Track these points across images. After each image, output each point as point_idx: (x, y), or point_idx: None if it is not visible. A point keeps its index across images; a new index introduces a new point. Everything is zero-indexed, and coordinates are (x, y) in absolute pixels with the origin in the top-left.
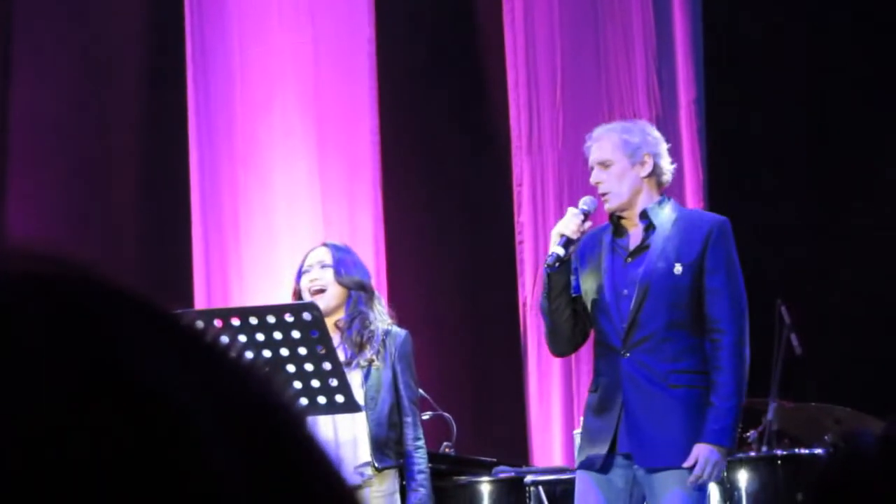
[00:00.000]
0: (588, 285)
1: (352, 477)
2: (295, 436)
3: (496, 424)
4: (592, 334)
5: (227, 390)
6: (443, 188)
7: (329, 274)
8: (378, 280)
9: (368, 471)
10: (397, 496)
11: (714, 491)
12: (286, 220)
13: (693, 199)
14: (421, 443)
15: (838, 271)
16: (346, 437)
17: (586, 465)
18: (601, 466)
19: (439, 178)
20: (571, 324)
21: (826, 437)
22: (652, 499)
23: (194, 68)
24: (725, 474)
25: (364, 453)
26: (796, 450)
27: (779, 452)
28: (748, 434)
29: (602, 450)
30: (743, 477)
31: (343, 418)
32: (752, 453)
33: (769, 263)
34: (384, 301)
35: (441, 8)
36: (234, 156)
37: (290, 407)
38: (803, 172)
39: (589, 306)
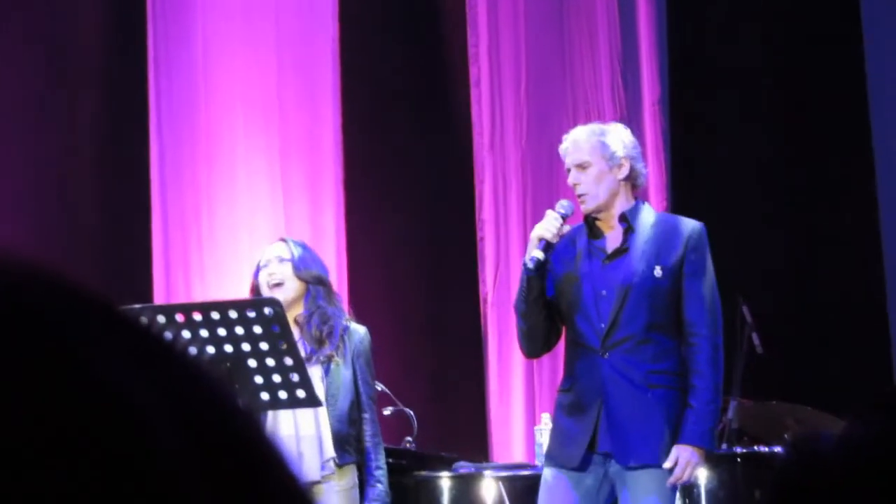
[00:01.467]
0: (564, 286)
1: (313, 473)
2: (249, 434)
3: (457, 420)
4: (565, 334)
5: (181, 388)
6: (405, 185)
7: (287, 268)
8: (339, 276)
9: (330, 465)
10: (356, 491)
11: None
12: (247, 217)
13: (656, 198)
14: (379, 439)
15: (801, 271)
16: (307, 432)
17: (559, 462)
18: (578, 465)
19: (402, 175)
20: (547, 326)
21: (786, 436)
22: (627, 496)
23: (156, 64)
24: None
25: (328, 449)
26: (756, 448)
27: (739, 450)
28: None
29: (580, 448)
30: (702, 475)
31: (304, 414)
32: (713, 451)
33: (731, 262)
34: (343, 298)
35: (405, 5)
36: (196, 151)
37: (244, 405)
38: (767, 172)
39: (564, 307)
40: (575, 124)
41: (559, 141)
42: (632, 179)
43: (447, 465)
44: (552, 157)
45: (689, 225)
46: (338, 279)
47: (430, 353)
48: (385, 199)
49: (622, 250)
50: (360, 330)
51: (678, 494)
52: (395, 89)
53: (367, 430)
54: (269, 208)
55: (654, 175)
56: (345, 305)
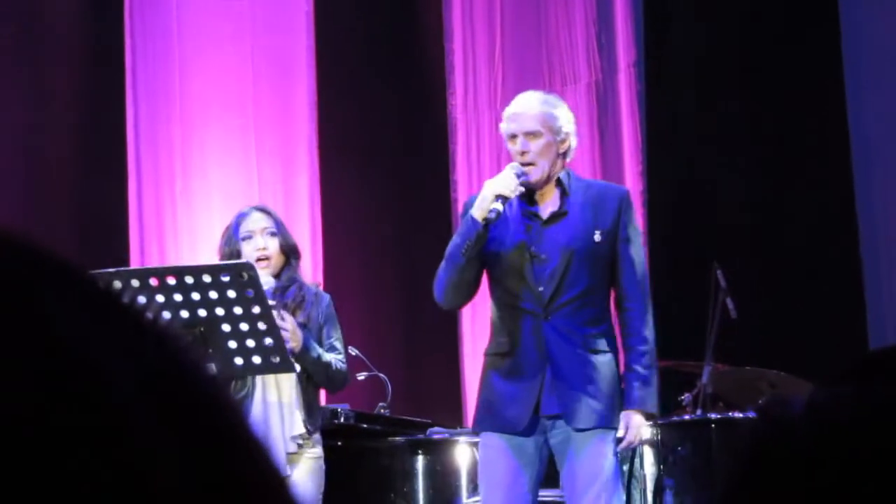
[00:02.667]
0: (498, 249)
1: (290, 444)
2: (211, 394)
3: (431, 386)
4: (492, 296)
5: (147, 353)
6: (379, 148)
7: (275, 242)
8: (314, 241)
9: (301, 439)
10: (322, 461)
11: (648, 453)
12: (220, 182)
13: (631, 161)
14: (344, 369)
15: (774, 235)
16: (287, 400)
17: (499, 426)
18: (522, 428)
19: (376, 137)
20: (475, 281)
21: (760, 401)
22: (574, 458)
23: (132, 33)
24: (659, 437)
25: (302, 421)
26: (730, 413)
27: (713, 416)
28: (683, 397)
29: (524, 412)
30: (677, 440)
31: (285, 383)
32: (687, 416)
33: (705, 227)
34: (318, 261)
35: None
36: (171, 115)
37: (209, 371)
38: (741, 137)
39: (498, 270)
40: (550, 86)
41: None
42: (569, 152)
43: (421, 430)
44: None
45: (619, 190)
46: (311, 242)
47: (404, 317)
48: (359, 163)
49: (561, 214)
50: (325, 296)
51: (652, 460)
52: (370, 53)
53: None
54: (242, 173)
55: (629, 138)
56: (319, 271)
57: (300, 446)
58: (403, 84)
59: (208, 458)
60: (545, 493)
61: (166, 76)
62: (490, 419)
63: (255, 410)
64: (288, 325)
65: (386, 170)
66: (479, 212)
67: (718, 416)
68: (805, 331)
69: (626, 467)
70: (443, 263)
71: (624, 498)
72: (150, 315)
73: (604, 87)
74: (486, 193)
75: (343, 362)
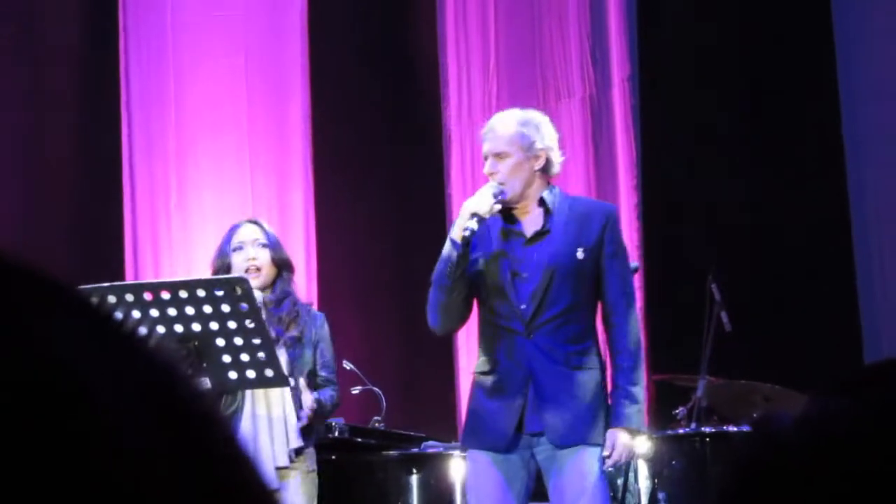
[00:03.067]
0: (481, 268)
1: (281, 458)
2: (201, 413)
3: (426, 399)
4: (479, 315)
5: (131, 367)
6: (373, 163)
7: (266, 254)
8: (308, 256)
9: (293, 453)
10: (315, 475)
11: (642, 467)
12: (215, 196)
13: (626, 176)
14: (336, 394)
15: (769, 248)
16: (278, 414)
17: (485, 444)
18: (505, 446)
19: (370, 152)
20: (466, 302)
21: (754, 415)
22: (559, 476)
23: (126, 39)
24: (654, 450)
25: (295, 436)
26: (725, 427)
27: (707, 429)
28: (677, 410)
29: (507, 430)
30: (671, 453)
31: (275, 398)
32: (681, 430)
33: (700, 240)
34: (312, 277)
35: None
36: (165, 128)
37: (195, 385)
38: (737, 150)
39: (482, 289)
40: (544, 101)
41: None
42: (547, 169)
43: (416, 444)
44: None
45: (604, 207)
46: (306, 257)
47: (399, 331)
48: (353, 176)
49: (543, 232)
50: (319, 314)
51: (647, 474)
52: (363, 67)
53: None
54: (236, 187)
55: (624, 152)
56: (314, 285)
57: (292, 460)
58: (397, 97)
59: (197, 472)
60: None
61: (160, 90)
62: (474, 437)
63: (245, 425)
64: (307, 400)
65: (381, 182)
66: (457, 232)
67: (713, 430)
68: (799, 344)
69: (620, 481)
70: (431, 289)
71: None
72: (139, 331)
73: (598, 101)
74: (463, 213)
75: (335, 390)
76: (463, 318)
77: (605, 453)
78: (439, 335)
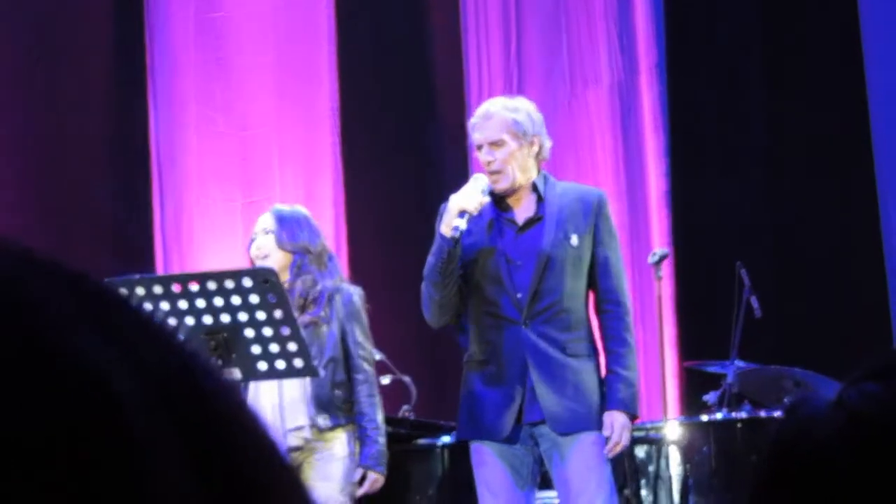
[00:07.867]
0: (474, 258)
1: (292, 439)
2: (226, 408)
3: (456, 388)
4: (470, 305)
5: (150, 357)
6: (401, 149)
7: (270, 240)
8: (338, 242)
9: (306, 433)
10: (351, 459)
11: (673, 453)
12: (243, 193)
13: (655, 163)
14: (375, 399)
15: (798, 233)
16: (290, 396)
17: (485, 435)
18: (507, 436)
19: (398, 137)
20: (459, 296)
21: (785, 400)
22: (562, 462)
23: (151, 33)
24: (686, 437)
25: (302, 414)
26: (756, 412)
27: (738, 415)
28: (708, 396)
29: (507, 419)
30: (702, 440)
31: (287, 382)
32: (712, 416)
33: (729, 226)
34: (337, 260)
35: None
36: (189, 119)
37: (217, 374)
38: (763, 135)
39: (475, 279)
40: (572, 89)
41: (555, 105)
42: (541, 155)
43: (446, 433)
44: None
45: (594, 193)
46: (335, 247)
47: None
48: (381, 166)
49: (536, 219)
50: (350, 291)
51: (678, 460)
52: (390, 57)
53: (362, 390)
54: (265, 174)
55: (652, 139)
56: (339, 267)
57: (307, 441)
58: (422, 87)
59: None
60: (543, 495)
61: (185, 86)
62: (474, 428)
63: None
64: (366, 487)
65: (409, 173)
66: (445, 227)
67: (744, 416)
68: (830, 328)
69: (651, 468)
70: (423, 283)
71: (617, 500)
72: (162, 322)
73: (626, 88)
74: (451, 207)
75: (367, 377)
76: (458, 312)
77: (605, 433)
78: (435, 329)
